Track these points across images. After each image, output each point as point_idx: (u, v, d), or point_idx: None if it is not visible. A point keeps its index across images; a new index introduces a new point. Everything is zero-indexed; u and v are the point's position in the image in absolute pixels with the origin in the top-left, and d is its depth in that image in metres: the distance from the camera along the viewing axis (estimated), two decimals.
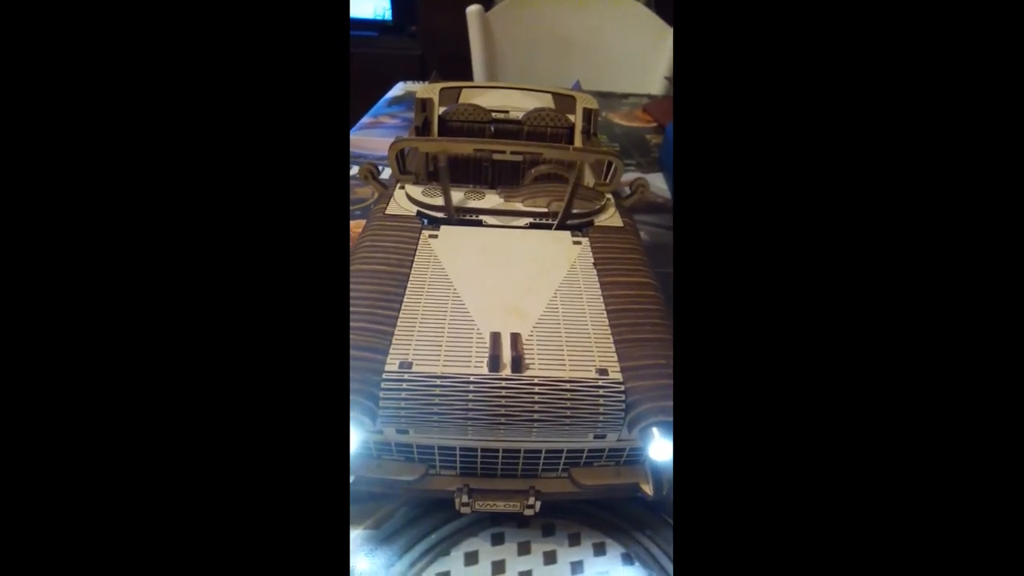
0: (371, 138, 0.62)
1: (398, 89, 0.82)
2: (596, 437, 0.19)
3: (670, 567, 0.21)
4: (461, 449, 0.19)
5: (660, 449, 0.18)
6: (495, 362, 0.18)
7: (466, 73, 1.08)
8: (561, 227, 0.27)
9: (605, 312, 0.22)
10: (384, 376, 0.18)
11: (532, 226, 0.27)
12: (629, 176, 0.50)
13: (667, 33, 1.02)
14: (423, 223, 0.27)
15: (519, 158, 0.30)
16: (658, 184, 0.55)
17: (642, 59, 1.04)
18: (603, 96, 0.86)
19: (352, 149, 0.58)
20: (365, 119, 0.69)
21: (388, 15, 2.01)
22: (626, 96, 0.88)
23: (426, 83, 0.76)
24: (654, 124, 0.74)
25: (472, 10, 0.98)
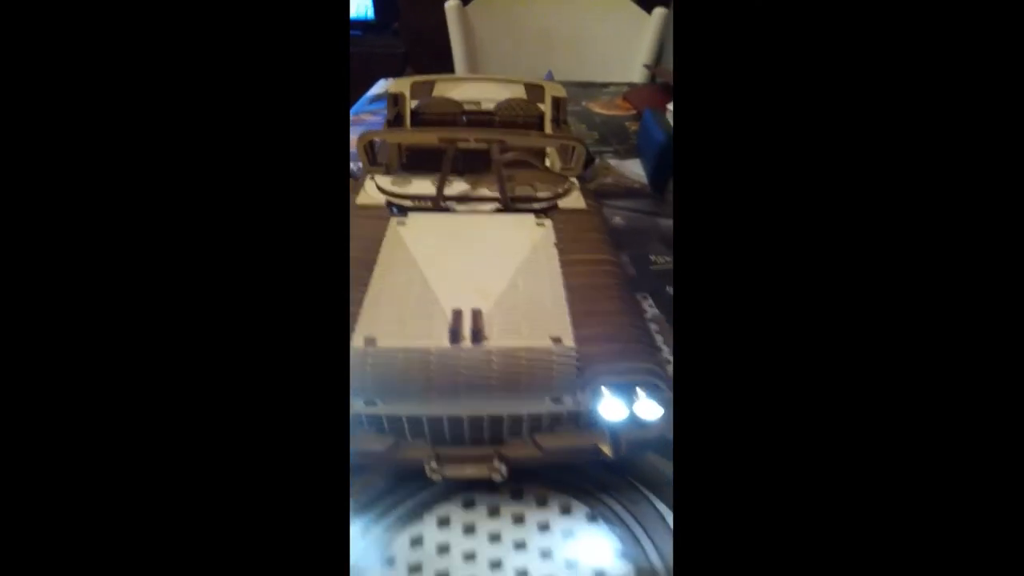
0: (353, 135, 0.63)
1: (379, 87, 0.83)
2: (553, 401, 0.20)
3: (633, 524, 0.22)
4: (428, 418, 0.21)
5: (611, 408, 0.19)
6: (455, 335, 0.20)
7: (449, 68, 1.08)
8: (515, 210, 0.28)
9: (563, 287, 0.23)
10: (353, 350, 0.19)
11: (498, 210, 0.28)
12: (610, 162, 0.50)
13: (646, 21, 1.03)
14: (392, 211, 0.28)
15: (484, 146, 0.31)
16: (635, 170, 0.56)
17: (622, 48, 1.05)
18: (583, 86, 0.86)
19: None
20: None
21: (371, 13, 2.01)
22: (606, 85, 0.89)
23: (397, 79, 0.77)
24: (633, 111, 0.75)
25: (451, 5, 0.99)
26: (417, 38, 1.84)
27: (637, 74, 1.01)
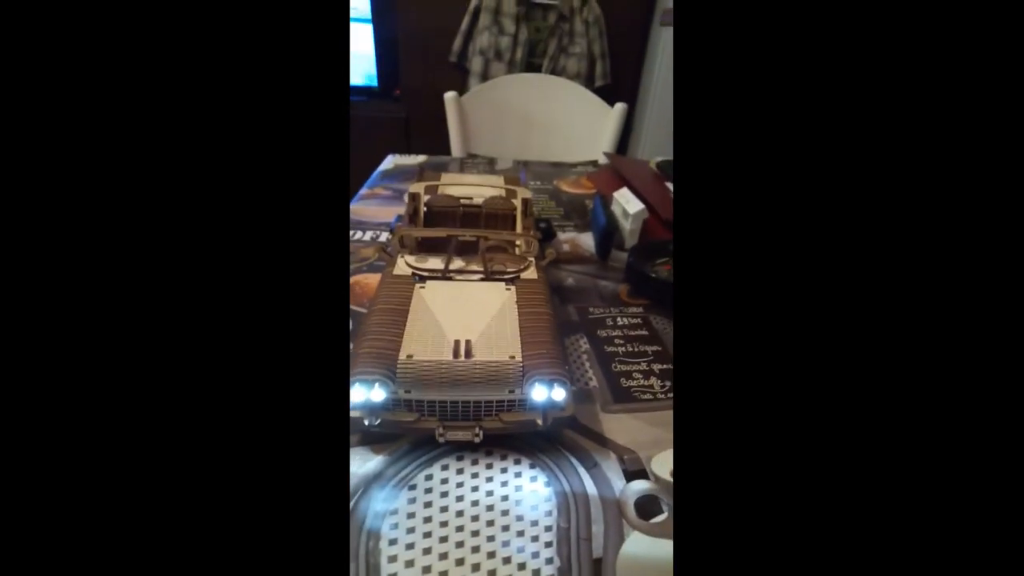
0: (370, 207, 0.80)
1: (388, 163, 1.01)
2: (510, 391, 0.36)
3: (557, 471, 0.38)
4: (439, 402, 0.36)
5: (538, 393, 0.35)
6: (456, 353, 0.36)
7: (444, 131, 1.24)
8: (492, 280, 0.45)
9: (519, 327, 0.39)
10: (399, 362, 0.35)
11: (482, 279, 0.45)
12: (568, 235, 0.69)
13: (610, 113, 1.26)
14: (415, 280, 0.44)
15: (474, 239, 0.48)
16: (588, 241, 0.74)
17: (589, 134, 1.26)
18: (555, 166, 1.06)
19: (356, 217, 0.76)
20: (363, 191, 0.87)
21: (374, 81, 2.18)
22: (574, 165, 1.08)
23: (416, 159, 0.96)
24: (594, 191, 0.94)
25: (449, 96, 1.20)
26: (417, 104, 2.05)
27: (600, 156, 1.22)
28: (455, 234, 0.47)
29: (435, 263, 0.46)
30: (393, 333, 0.37)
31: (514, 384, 0.36)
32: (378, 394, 0.34)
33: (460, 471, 0.37)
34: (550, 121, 1.28)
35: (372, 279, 0.60)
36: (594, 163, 1.08)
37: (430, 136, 1.99)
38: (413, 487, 0.35)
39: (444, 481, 0.36)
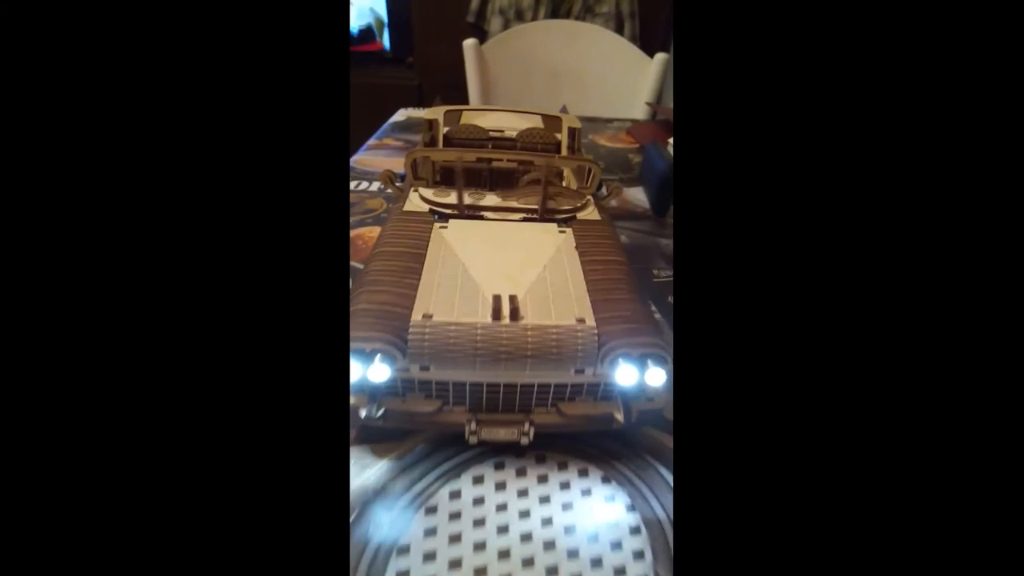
0: (378, 158, 0.68)
1: (400, 115, 0.89)
2: (577, 372, 0.24)
3: (641, 485, 0.26)
4: (471, 384, 0.24)
5: (625, 375, 0.23)
6: (496, 313, 0.24)
7: (462, 99, 1.16)
8: (545, 219, 0.33)
9: (584, 280, 0.27)
10: (412, 324, 0.23)
11: (525, 219, 0.33)
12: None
13: (647, 64, 1.11)
14: (435, 218, 0.32)
15: (513, 166, 0.36)
16: (638, 196, 0.62)
17: (625, 87, 1.12)
18: (589, 121, 0.93)
19: (362, 168, 0.64)
20: (372, 140, 0.75)
21: (387, 47, 2.10)
22: (610, 121, 0.95)
23: (431, 108, 0.84)
24: (636, 145, 0.81)
25: (468, 43, 1.07)
26: (429, 71, 1.94)
27: (639, 112, 1.08)
28: (489, 156, 0.35)
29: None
30: (404, 284, 0.26)
31: (585, 360, 0.24)
32: (380, 371, 0.22)
33: (501, 486, 0.25)
34: (581, 73, 1.14)
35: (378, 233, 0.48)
36: (633, 121, 0.95)
37: (444, 102, 1.88)
38: (433, 510, 0.24)
39: (478, 502, 0.24)
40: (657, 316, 0.39)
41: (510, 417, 0.25)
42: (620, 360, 0.23)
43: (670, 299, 0.41)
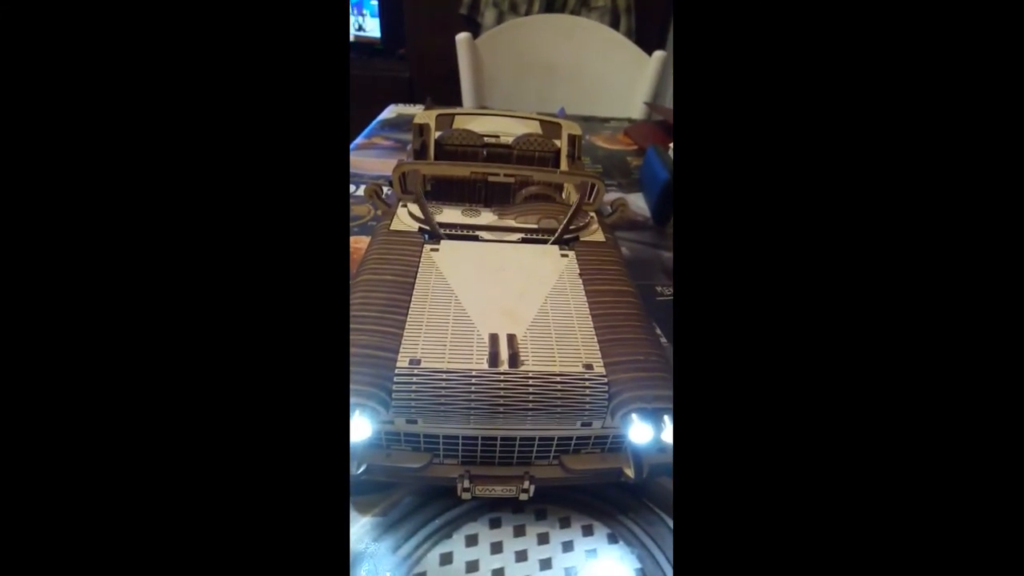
0: (366, 159, 0.65)
1: (390, 111, 0.85)
2: (583, 424, 0.21)
3: (651, 545, 0.23)
4: (463, 438, 0.22)
5: (639, 433, 0.20)
6: (494, 359, 0.21)
7: (454, 93, 1.12)
8: (553, 242, 0.30)
9: (590, 315, 0.24)
10: (396, 371, 0.20)
11: (523, 241, 0.30)
12: (611, 196, 0.53)
13: (645, 61, 1.08)
14: (424, 238, 0.29)
15: (511, 180, 0.33)
16: (638, 203, 0.59)
17: (622, 84, 1.09)
18: (585, 120, 0.90)
19: (350, 169, 0.61)
20: (360, 139, 0.72)
21: (377, 34, 2.05)
22: (607, 120, 0.92)
23: (422, 109, 0.80)
24: (634, 147, 0.79)
25: (461, 37, 1.03)
26: (422, 64, 1.89)
27: (636, 110, 1.05)
28: (483, 171, 0.32)
29: (452, 215, 0.31)
30: (389, 321, 0.23)
31: (593, 413, 0.21)
32: (361, 427, 0.20)
33: (497, 547, 0.22)
34: (577, 70, 1.11)
35: (365, 243, 0.45)
36: (630, 120, 0.92)
37: (435, 98, 1.84)
38: None
39: (472, 567, 0.22)
40: (663, 341, 0.36)
41: (508, 472, 0.22)
42: (633, 416, 0.20)
43: None
